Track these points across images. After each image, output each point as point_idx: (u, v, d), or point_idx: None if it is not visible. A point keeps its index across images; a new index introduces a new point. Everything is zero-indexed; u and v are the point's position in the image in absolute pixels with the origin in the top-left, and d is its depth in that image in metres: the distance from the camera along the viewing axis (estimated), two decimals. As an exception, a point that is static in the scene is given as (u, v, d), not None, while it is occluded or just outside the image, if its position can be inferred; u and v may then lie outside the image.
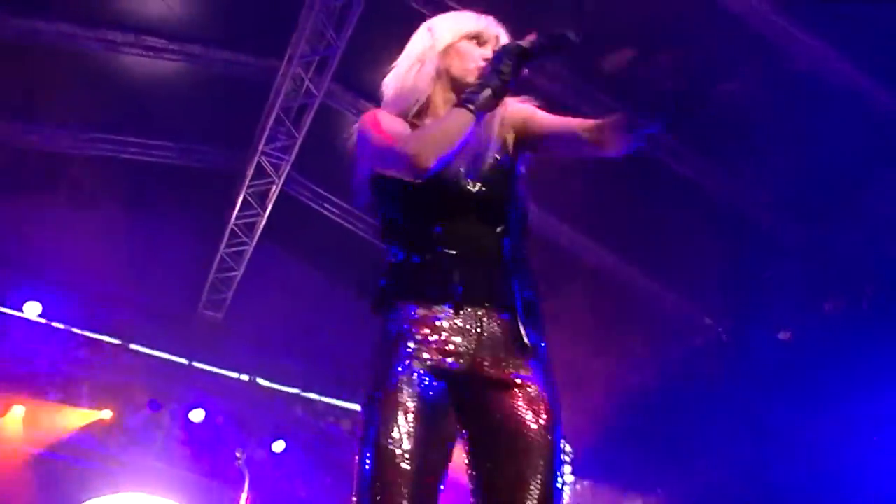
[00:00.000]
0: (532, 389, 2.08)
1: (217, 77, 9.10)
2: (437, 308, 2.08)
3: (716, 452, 9.35)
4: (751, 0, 6.88)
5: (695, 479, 9.82)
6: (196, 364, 11.00)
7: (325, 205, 10.25)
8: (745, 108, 7.21)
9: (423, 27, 2.40)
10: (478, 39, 2.32)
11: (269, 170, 9.12)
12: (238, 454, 7.42)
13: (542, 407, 2.07)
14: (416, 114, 2.31)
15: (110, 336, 10.72)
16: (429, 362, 2.03)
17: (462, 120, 2.04)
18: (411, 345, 2.04)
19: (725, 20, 6.92)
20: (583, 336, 10.86)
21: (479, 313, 2.10)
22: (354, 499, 1.94)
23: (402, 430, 1.93)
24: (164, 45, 8.64)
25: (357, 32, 7.86)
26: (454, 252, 2.12)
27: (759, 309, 9.03)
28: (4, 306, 10.09)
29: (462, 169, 2.16)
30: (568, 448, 12.37)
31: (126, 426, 10.47)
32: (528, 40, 2.13)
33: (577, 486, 12.07)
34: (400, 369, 2.01)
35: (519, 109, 2.33)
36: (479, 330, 2.08)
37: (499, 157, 2.23)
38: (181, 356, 10.98)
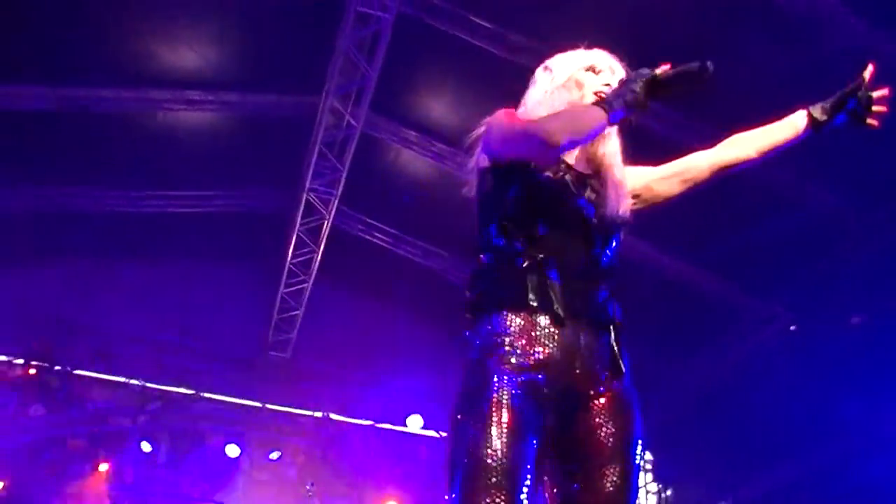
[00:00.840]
0: (618, 406, 2.11)
1: (257, 120, 9.27)
2: (536, 318, 2.07)
3: (797, 450, 9.06)
4: None
5: (778, 479, 9.54)
6: (269, 405, 11.12)
7: (376, 234, 10.31)
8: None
9: (540, 69, 2.45)
10: (593, 69, 2.35)
11: (318, 206, 9.22)
12: (308, 487, 7.44)
13: (626, 424, 2.10)
14: None
15: (183, 386, 10.93)
16: (523, 377, 2.01)
17: (596, 115, 2.07)
18: (508, 357, 2.03)
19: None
20: (653, 340, 10.69)
21: (578, 328, 2.09)
22: None
23: (502, 453, 1.91)
24: (202, 97, 8.81)
25: (389, 60, 7.92)
26: (558, 262, 2.12)
27: (830, 296, 8.72)
28: (80, 368, 10.36)
29: (586, 197, 2.20)
30: (648, 456, 12.15)
31: (207, 472, 10.61)
32: (661, 69, 2.12)
33: (664, 494, 11.83)
34: (494, 384, 1.99)
35: (638, 170, 2.43)
36: (576, 344, 2.08)
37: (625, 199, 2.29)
38: (254, 399, 11.12)
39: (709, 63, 2.04)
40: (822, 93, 2.41)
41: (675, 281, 9.86)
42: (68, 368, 10.36)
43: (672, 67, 2.10)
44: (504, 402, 1.97)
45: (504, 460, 1.90)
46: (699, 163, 2.45)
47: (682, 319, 10.21)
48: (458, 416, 2.01)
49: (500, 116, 2.23)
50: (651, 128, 8.37)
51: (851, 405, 8.25)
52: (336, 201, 9.18)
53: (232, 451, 10.53)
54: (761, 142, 2.40)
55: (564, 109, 2.21)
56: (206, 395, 10.99)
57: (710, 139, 2.53)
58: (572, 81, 2.34)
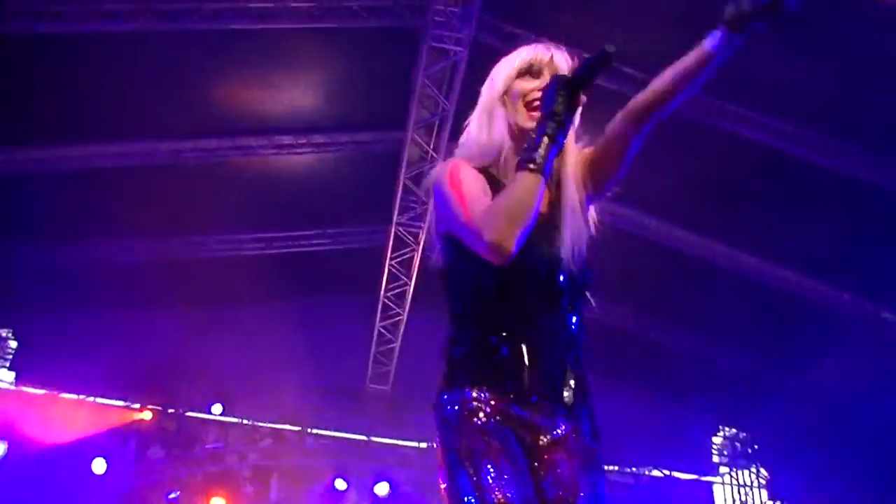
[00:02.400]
0: (580, 469, 2.08)
1: (346, 159, 9.55)
2: (503, 395, 2.05)
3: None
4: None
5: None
6: (374, 438, 11.28)
7: (468, 262, 10.36)
8: None
9: (488, 78, 2.32)
10: (530, 71, 2.23)
11: (407, 239, 9.36)
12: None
13: (586, 485, 2.07)
14: (496, 162, 2.23)
15: (291, 423, 11.21)
16: (499, 434, 2.01)
17: (528, 185, 1.94)
18: (482, 422, 2.02)
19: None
20: (767, 351, 10.40)
21: (543, 405, 2.07)
22: None
23: (507, 489, 1.92)
24: (292, 141, 9.12)
25: (467, 89, 8.03)
26: (529, 339, 2.08)
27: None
28: (193, 410, 10.77)
29: (551, 252, 2.11)
30: (763, 472, 11.73)
31: (316, 506, 10.82)
32: (570, 69, 2.09)
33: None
34: (481, 436, 2.00)
35: (585, 155, 2.26)
36: (541, 418, 2.07)
37: (585, 233, 2.18)
38: (358, 433, 11.30)
39: (608, 46, 1.96)
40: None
41: (784, 290, 9.60)
42: (182, 411, 10.80)
43: (581, 63, 2.04)
44: (494, 448, 1.98)
45: (510, 496, 1.92)
46: (615, 121, 2.18)
47: (797, 329, 9.91)
48: (454, 471, 1.99)
49: (447, 187, 2.10)
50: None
51: None
52: (424, 234, 9.32)
53: (340, 484, 10.71)
54: (671, 72, 2.07)
55: (500, 200, 1.99)
56: (314, 430, 11.25)
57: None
58: (509, 94, 2.22)
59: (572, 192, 2.19)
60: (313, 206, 9.99)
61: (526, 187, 1.93)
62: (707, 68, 2.01)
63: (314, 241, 10.52)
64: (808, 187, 8.53)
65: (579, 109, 2.09)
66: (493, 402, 2.04)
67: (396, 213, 9.17)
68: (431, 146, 8.52)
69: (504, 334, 2.08)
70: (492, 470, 1.95)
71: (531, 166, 1.94)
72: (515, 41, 7.97)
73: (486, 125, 2.24)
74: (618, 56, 1.97)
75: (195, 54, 8.04)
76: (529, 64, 2.23)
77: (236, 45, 8.06)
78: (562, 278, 2.11)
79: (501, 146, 2.20)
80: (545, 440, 2.08)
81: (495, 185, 2.14)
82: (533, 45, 2.28)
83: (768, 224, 9.08)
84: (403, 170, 8.75)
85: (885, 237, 8.24)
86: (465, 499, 1.94)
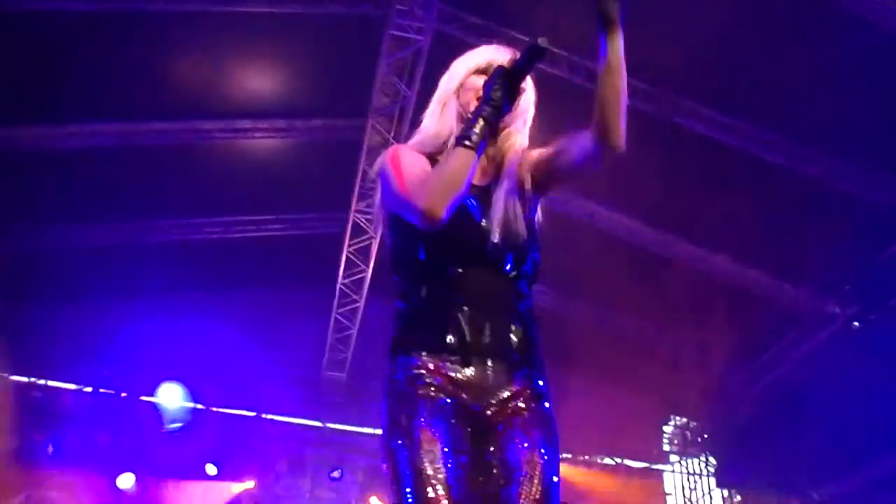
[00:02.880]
0: (532, 429, 2.14)
1: (306, 146, 9.52)
2: (446, 357, 2.13)
3: (875, 450, 8.83)
4: None
5: (854, 480, 9.32)
6: (330, 425, 11.30)
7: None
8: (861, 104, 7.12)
9: (447, 73, 2.45)
10: (486, 70, 2.32)
11: (365, 226, 9.38)
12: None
13: (539, 444, 2.12)
14: (443, 149, 2.33)
15: (246, 409, 11.18)
16: (441, 406, 2.08)
17: (462, 159, 2.08)
18: (425, 390, 2.09)
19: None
20: (709, 344, 10.61)
21: (487, 363, 2.15)
22: None
23: (441, 471, 1.98)
24: (251, 125, 9.07)
25: (428, 79, 8.06)
26: (467, 301, 2.17)
27: (887, 289, 8.54)
28: (146, 394, 10.68)
29: (486, 220, 2.22)
30: (712, 460, 11.99)
31: (271, 493, 10.82)
32: (508, 60, 2.19)
33: (734, 499, 11.66)
34: (420, 411, 2.06)
35: (534, 154, 2.37)
36: (485, 379, 2.14)
37: (520, 207, 2.28)
38: (315, 419, 11.32)
39: (541, 40, 2.08)
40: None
41: (732, 283, 9.81)
42: (137, 396, 10.70)
43: (518, 55, 2.17)
44: (431, 426, 2.03)
45: (442, 478, 1.97)
46: (577, 141, 2.24)
47: (744, 321, 10.13)
48: (392, 444, 2.06)
49: (388, 168, 2.24)
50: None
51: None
52: (383, 221, 9.34)
53: (294, 471, 10.74)
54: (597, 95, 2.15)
55: (434, 172, 2.16)
56: (269, 416, 11.24)
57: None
58: (464, 87, 2.35)
59: (512, 170, 2.32)
60: (272, 191, 9.95)
61: (459, 161, 2.08)
62: (611, 72, 2.09)
63: (272, 227, 10.48)
64: (762, 183, 8.72)
65: (520, 98, 2.25)
66: (435, 367, 2.12)
67: (355, 200, 9.17)
68: (392, 134, 8.54)
69: (445, 298, 2.17)
70: (431, 455, 2.00)
71: (466, 143, 2.09)
72: (476, 31, 8.04)
73: (439, 115, 2.38)
74: (548, 51, 2.11)
75: (151, 35, 7.93)
76: (487, 63, 2.35)
77: (195, 27, 7.99)
78: (498, 244, 2.20)
79: (450, 134, 2.31)
80: (494, 403, 2.13)
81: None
82: (493, 46, 2.42)
83: (719, 217, 9.26)
84: (363, 157, 8.76)
85: (834, 234, 8.46)
86: (406, 490, 1.99)
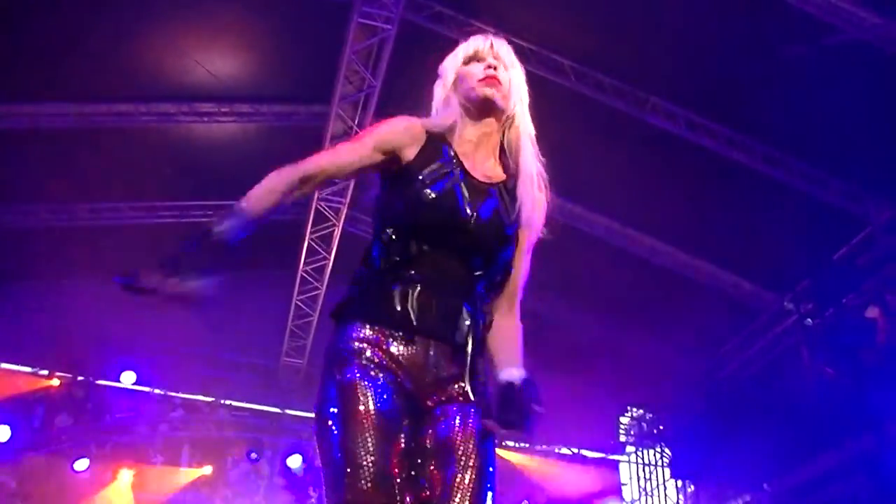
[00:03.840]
0: (468, 420, 2.11)
1: (269, 131, 9.43)
2: (390, 332, 2.11)
3: (825, 444, 9.01)
4: None
5: (804, 473, 9.51)
6: (288, 411, 11.27)
7: (387, 238, 10.41)
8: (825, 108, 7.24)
9: (441, 71, 2.47)
10: (475, 58, 2.36)
11: (328, 214, 9.35)
12: (312, 493, 7.51)
13: (475, 432, 2.10)
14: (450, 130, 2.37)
15: (203, 395, 11.11)
16: (381, 382, 2.06)
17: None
18: (363, 362, 2.07)
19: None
20: (666, 337, 10.76)
21: (430, 343, 2.13)
22: None
23: (370, 450, 1.95)
24: (214, 109, 8.98)
25: (394, 67, 8.05)
26: (423, 279, 2.15)
27: (840, 288, 8.71)
28: (102, 378, 10.56)
29: (474, 214, 2.19)
30: (668, 451, 12.17)
31: (228, 479, 10.77)
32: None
33: (687, 490, 11.84)
34: (357, 387, 2.03)
35: (530, 223, 2.35)
36: (427, 360, 2.11)
37: (508, 221, 2.27)
38: (272, 405, 11.28)
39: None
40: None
41: (689, 277, 9.95)
42: (92, 379, 10.58)
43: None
44: (367, 402, 2.01)
45: (373, 457, 1.94)
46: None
47: (701, 315, 10.27)
48: (323, 421, 2.03)
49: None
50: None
51: (881, 396, 8.20)
52: (346, 209, 9.31)
53: (253, 456, 10.70)
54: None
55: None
56: (227, 402, 11.18)
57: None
58: (458, 78, 2.36)
59: (528, 164, 2.32)
60: (233, 176, 9.62)
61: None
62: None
63: (232, 213, 10.37)
64: (723, 180, 8.84)
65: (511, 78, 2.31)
66: (378, 339, 2.10)
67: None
68: (356, 122, 8.50)
69: (403, 273, 2.15)
70: (363, 432, 1.97)
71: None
72: (442, 21, 8.03)
73: (444, 110, 2.37)
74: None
75: (113, 14, 7.79)
76: (474, 51, 2.37)
77: (158, 6, 7.87)
78: (474, 239, 2.19)
79: (456, 119, 2.33)
80: (431, 385, 2.11)
81: (436, 150, 2.27)
82: (472, 38, 2.43)
83: (678, 212, 9.38)
84: (327, 144, 8.70)
85: (791, 233, 8.62)
86: (332, 465, 1.96)
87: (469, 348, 2.16)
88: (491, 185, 2.27)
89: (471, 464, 2.06)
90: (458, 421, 2.11)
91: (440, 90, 2.40)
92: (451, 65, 2.39)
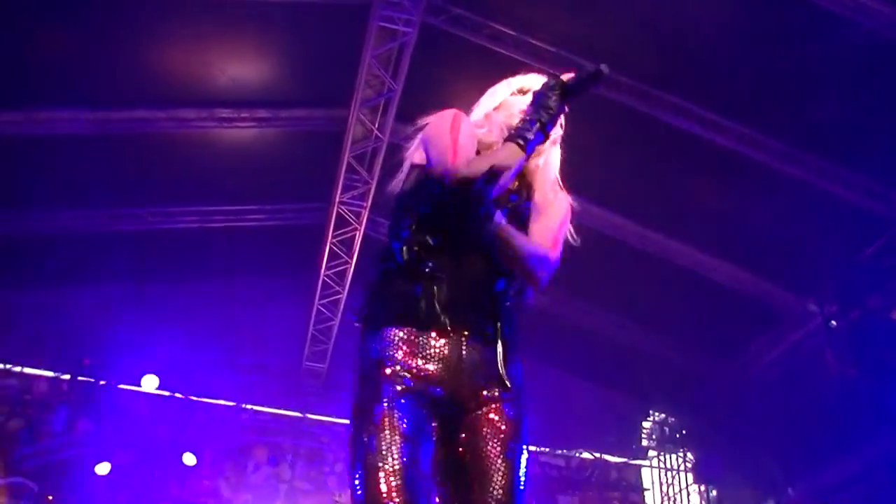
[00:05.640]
0: (502, 417, 2.13)
1: (289, 136, 9.46)
2: (422, 333, 2.12)
3: (849, 447, 8.91)
4: None
5: (828, 476, 9.40)
6: (309, 415, 11.28)
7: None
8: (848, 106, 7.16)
9: (490, 91, 2.57)
10: (522, 91, 2.46)
11: (349, 218, 9.35)
12: (337, 497, 7.52)
13: (509, 434, 2.12)
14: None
15: (225, 399, 11.14)
16: (411, 386, 2.06)
17: (511, 153, 2.16)
18: (394, 369, 2.07)
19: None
20: (694, 339, 10.68)
21: (461, 343, 2.14)
22: None
23: (396, 458, 1.97)
24: (233, 115, 9.00)
25: (414, 70, 8.04)
26: (447, 277, 2.17)
27: (864, 289, 8.60)
28: (124, 383, 10.61)
29: (497, 210, 2.24)
30: (690, 456, 12.07)
31: (248, 484, 10.79)
32: (567, 76, 2.26)
33: (710, 494, 11.74)
34: (385, 395, 2.05)
35: (552, 205, 2.42)
36: (458, 358, 2.12)
37: (524, 219, 2.34)
38: (293, 409, 11.29)
39: (603, 66, 2.18)
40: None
41: (711, 279, 9.86)
42: (114, 383, 10.63)
43: (576, 72, 2.25)
44: (395, 412, 2.03)
45: (398, 467, 1.96)
46: None
47: (723, 318, 10.19)
48: (355, 428, 2.07)
49: (446, 116, 2.30)
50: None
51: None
52: (367, 213, 9.31)
53: (272, 462, 10.72)
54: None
55: (482, 156, 2.23)
56: (248, 406, 11.21)
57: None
58: (503, 104, 2.46)
59: (544, 192, 2.42)
60: (254, 181, 9.89)
61: (508, 154, 2.15)
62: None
63: (253, 217, 10.42)
64: (746, 181, 8.76)
65: (562, 117, 2.36)
66: (407, 342, 2.11)
67: (339, 191, 9.13)
68: (376, 126, 8.51)
69: (424, 266, 2.18)
70: (389, 443, 1.99)
71: (519, 141, 2.16)
72: (461, 24, 8.02)
73: (485, 124, 2.46)
74: (606, 78, 2.21)
75: (132, 20, 7.83)
76: (528, 86, 2.46)
77: (177, 12, 7.88)
78: (490, 225, 2.23)
79: (497, 141, 2.38)
80: (465, 389, 2.11)
81: None
82: (535, 74, 2.52)
83: (701, 213, 9.31)
84: (348, 149, 8.73)
85: (812, 231, 8.53)
86: (357, 479, 2.00)
87: (500, 339, 2.18)
88: (512, 190, 2.34)
89: (502, 475, 2.08)
90: (492, 429, 2.12)
91: (487, 103, 2.50)
92: (504, 89, 2.52)
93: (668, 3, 7.50)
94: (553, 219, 2.38)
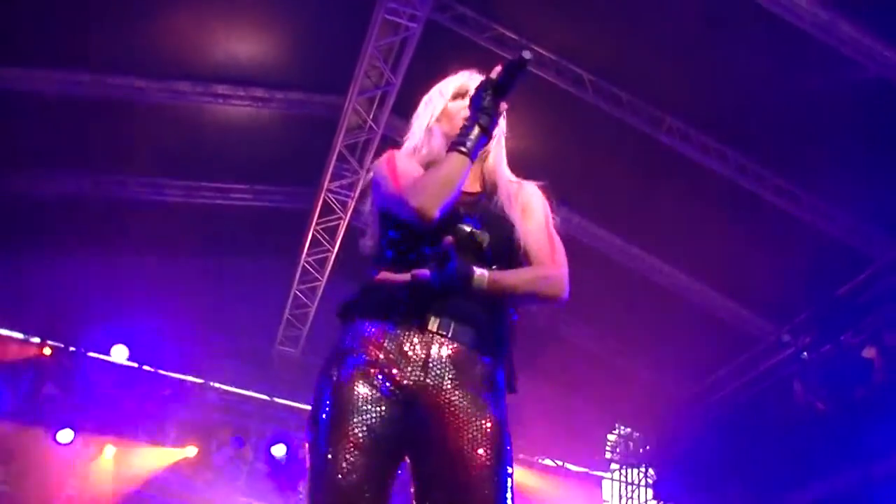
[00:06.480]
0: (480, 420, 2.04)
1: (283, 118, 9.40)
2: (395, 329, 2.09)
3: (810, 477, 8.98)
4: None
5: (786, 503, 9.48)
6: (276, 399, 11.25)
7: (392, 236, 10.38)
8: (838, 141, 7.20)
9: (425, 99, 2.53)
10: (463, 95, 2.41)
11: (335, 206, 9.32)
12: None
13: (488, 437, 2.03)
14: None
15: (194, 376, 11.08)
16: (376, 383, 2.02)
17: (457, 164, 2.15)
18: (360, 364, 2.04)
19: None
20: (660, 358, 10.74)
21: (433, 339, 2.09)
22: None
23: (349, 461, 1.93)
24: (229, 91, 8.94)
25: (415, 65, 8.01)
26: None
27: (839, 325, 8.68)
28: (94, 351, 10.53)
29: (478, 227, 2.22)
30: (651, 472, 12.14)
31: (211, 463, 10.74)
32: (494, 71, 2.24)
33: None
34: (348, 391, 2.01)
35: (527, 200, 2.40)
36: (428, 356, 2.07)
37: (511, 226, 2.30)
38: (262, 392, 11.25)
39: (525, 52, 2.17)
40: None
41: (688, 299, 9.93)
42: (84, 351, 10.55)
43: (502, 67, 2.23)
44: (357, 406, 1.99)
45: (346, 471, 1.93)
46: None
47: (697, 339, 10.25)
48: (314, 417, 2.05)
49: (384, 171, 2.29)
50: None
51: (872, 433, 8.15)
52: (353, 203, 9.28)
53: (236, 442, 10.68)
54: None
55: (428, 174, 2.21)
56: (216, 384, 11.16)
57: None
58: (444, 114, 2.43)
59: (505, 185, 2.39)
60: (243, 160, 9.84)
61: (454, 165, 2.15)
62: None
63: (239, 196, 10.36)
64: (731, 206, 8.82)
65: (503, 114, 2.31)
66: (378, 337, 2.08)
67: (328, 179, 9.10)
68: (371, 117, 8.48)
69: (411, 269, 2.13)
70: (343, 444, 1.96)
71: (461, 149, 2.17)
72: (465, 23, 8.01)
73: (427, 139, 2.43)
74: (529, 63, 2.19)
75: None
76: (465, 88, 2.42)
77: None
78: (487, 250, 2.22)
79: (440, 155, 2.35)
80: (436, 381, 2.06)
81: None
82: (465, 73, 2.50)
83: (685, 235, 9.35)
84: (341, 137, 8.69)
85: (793, 262, 8.60)
86: (314, 478, 1.98)
87: (481, 348, 2.14)
88: (477, 194, 2.35)
89: (479, 473, 2.00)
90: (472, 427, 2.03)
91: (424, 115, 2.46)
92: (438, 98, 2.47)
93: (671, 20, 7.53)
94: (537, 220, 2.36)
